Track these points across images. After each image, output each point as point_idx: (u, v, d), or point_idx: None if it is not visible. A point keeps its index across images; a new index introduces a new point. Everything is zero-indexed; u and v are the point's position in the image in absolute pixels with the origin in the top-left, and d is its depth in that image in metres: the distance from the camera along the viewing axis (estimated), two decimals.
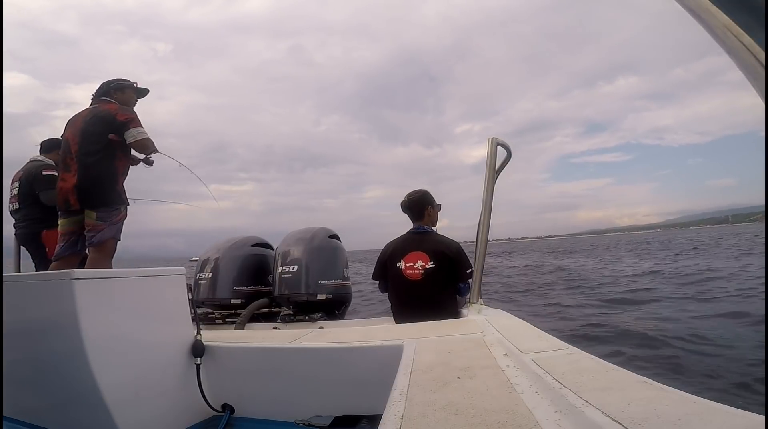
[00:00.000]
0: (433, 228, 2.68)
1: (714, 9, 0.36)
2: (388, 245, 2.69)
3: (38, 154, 3.35)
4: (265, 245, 3.40)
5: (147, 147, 2.60)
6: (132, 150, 2.62)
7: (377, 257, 2.74)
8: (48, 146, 3.34)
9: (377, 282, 2.77)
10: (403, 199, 2.71)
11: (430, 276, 2.44)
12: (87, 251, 2.55)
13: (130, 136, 2.50)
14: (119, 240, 2.57)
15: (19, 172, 3.28)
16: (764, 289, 5.23)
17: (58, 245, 2.58)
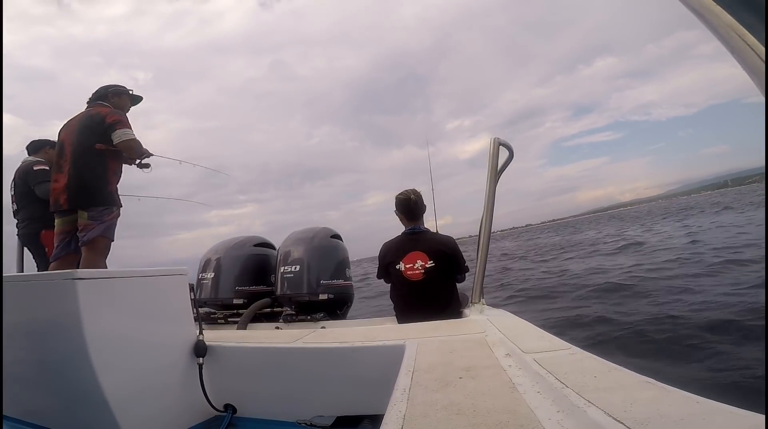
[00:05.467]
0: (426, 227, 2.68)
1: (717, 9, 0.36)
2: (385, 246, 2.68)
3: (27, 156, 3.37)
4: (267, 245, 3.41)
5: (132, 148, 2.64)
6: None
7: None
8: (35, 147, 3.37)
9: (382, 279, 2.76)
10: (399, 199, 2.67)
11: (431, 275, 2.45)
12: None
13: (116, 136, 2.54)
14: (113, 240, 2.61)
15: (14, 173, 3.32)
16: (765, 284, 5.19)
17: (54, 246, 2.63)
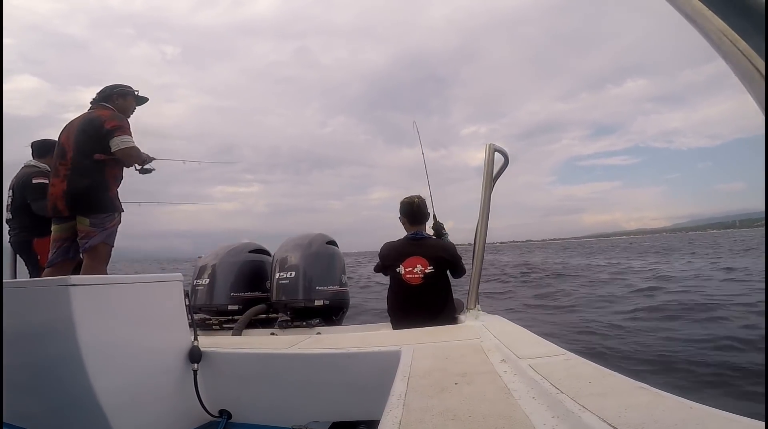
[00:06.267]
0: (427, 233, 2.70)
1: (709, 14, 0.36)
2: (386, 246, 2.70)
3: (31, 157, 3.28)
4: (263, 251, 3.40)
5: (131, 156, 2.55)
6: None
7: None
8: (40, 150, 3.26)
9: (378, 272, 2.78)
10: (403, 203, 2.70)
11: (429, 280, 2.46)
12: (81, 257, 2.53)
13: (114, 144, 2.45)
14: (113, 246, 2.54)
15: (13, 179, 3.23)
16: (764, 289, 5.21)
17: (50, 252, 2.54)
